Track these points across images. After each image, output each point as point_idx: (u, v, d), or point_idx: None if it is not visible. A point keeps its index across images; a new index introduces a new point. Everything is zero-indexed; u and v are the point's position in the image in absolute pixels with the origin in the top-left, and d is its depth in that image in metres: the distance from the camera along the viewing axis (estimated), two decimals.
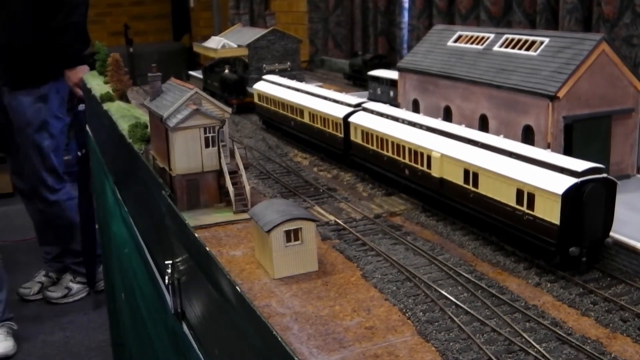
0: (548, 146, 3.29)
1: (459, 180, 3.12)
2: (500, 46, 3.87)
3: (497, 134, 3.34)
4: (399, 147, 3.58)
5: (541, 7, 5.81)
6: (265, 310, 2.48)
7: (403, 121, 3.67)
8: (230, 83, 6.20)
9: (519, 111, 3.52)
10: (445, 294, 2.58)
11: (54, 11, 7.55)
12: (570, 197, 2.57)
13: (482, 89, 3.79)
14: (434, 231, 3.24)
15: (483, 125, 3.81)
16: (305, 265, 2.81)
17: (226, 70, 6.36)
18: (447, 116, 4.11)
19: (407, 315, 2.45)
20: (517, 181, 2.77)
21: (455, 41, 4.27)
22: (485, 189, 2.96)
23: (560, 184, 2.60)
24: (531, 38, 3.71)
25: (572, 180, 2.59)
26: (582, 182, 2.59)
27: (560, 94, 3.27)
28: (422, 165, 3.39)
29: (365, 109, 4.05)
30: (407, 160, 3.52)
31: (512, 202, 2.81)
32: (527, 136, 3.48)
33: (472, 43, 4.11)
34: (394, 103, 4.78)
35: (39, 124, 7.81)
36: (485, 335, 2.31)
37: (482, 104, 3.80)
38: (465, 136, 3.22)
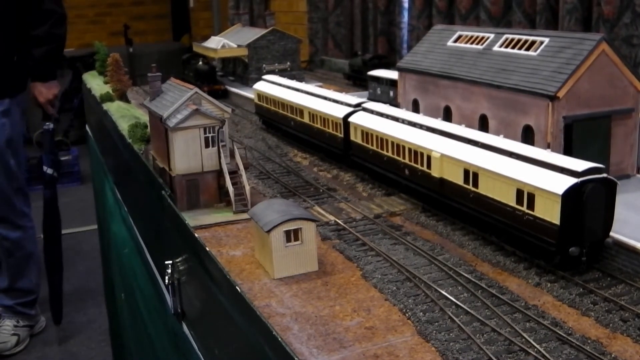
0: (548, 146, 3.28)
1: (459, 180, 3.12)
2: (500, 46, 3.87)
3: (497, 134, 3.34)
4: (398, 147, 3.58)
5: (541, 7, 5.81)
6: (265, 311, 2.48)
7: (403, 121, 3.67)
8: (203, 73, 7.02)
9: (518, 111, 3.52)
10: (445, 294, 2.58)
11: (38, 20, 6.76)
12: (570, 197, 2.57)
13: (482, 89, 3.79)
14: (433, 231, 3.24)
15: (483, 125, 3.81)
16: (305, 265, 2.81)
17: (200, 62, 7.14)
18: (447, 116, 4.11)
19: (407, 315, 2.45)
20: (517, 181, 2.77)
21: (455, 41, 4.27)
22: (485, 189, 2.96)
23: (560, 183, 2.60)
24: (531, 38, 3.71)
25: (572, 180, 2.59)
26: (582, 182, 2.58)
27: (560, 94, 3.27)
28: (422, 165, 3.38)
29: (365, 109, 4.05)
30: (407, 160, 3.51)
31: (512, 202, 2.80)
32: (527, 136, 3.48)
33: (472, 43, 4.11)
34: (394, 103, 4.78)
35: (5, 142, 6.90)
36: (485, 335, 2.31)
37: (482, 104, 3.80)
38: (465, 136, 3.22)
